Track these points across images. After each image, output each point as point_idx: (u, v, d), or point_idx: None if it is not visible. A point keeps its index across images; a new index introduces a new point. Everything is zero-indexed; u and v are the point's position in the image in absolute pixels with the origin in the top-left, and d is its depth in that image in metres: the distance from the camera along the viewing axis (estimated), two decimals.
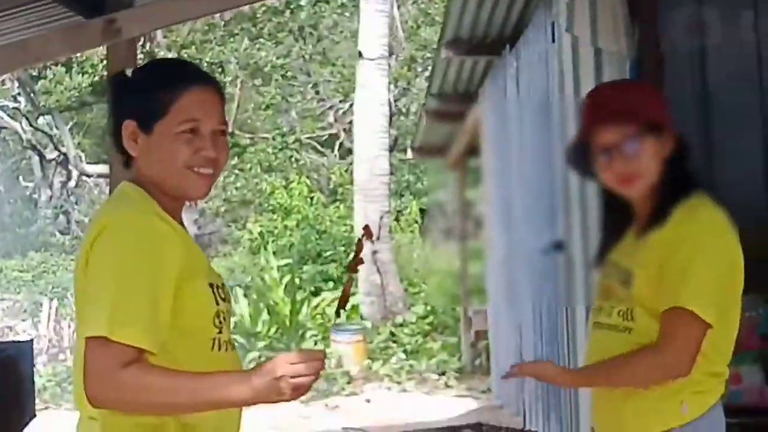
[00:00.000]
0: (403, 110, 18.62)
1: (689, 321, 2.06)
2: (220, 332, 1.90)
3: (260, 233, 15.81)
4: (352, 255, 2.22)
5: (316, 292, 12.37)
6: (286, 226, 15.37)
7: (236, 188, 19.42)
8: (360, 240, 2.25)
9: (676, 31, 4.23)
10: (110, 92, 2.01)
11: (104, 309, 1.74)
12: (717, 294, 2.11)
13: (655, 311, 2.14)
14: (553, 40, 5.24)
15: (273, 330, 10.45)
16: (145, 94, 1.90)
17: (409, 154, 10.92)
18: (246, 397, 1.74)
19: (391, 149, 18.38)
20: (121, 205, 1.90)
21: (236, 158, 19.68)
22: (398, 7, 16.66)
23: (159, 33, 17.30)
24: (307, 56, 19.58)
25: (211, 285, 1.90)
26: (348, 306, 11.81)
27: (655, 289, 2.14)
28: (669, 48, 4.10)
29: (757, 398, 3.78)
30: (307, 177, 17.99)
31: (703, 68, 4.32)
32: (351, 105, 14.99)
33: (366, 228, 2.35)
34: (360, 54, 11.05)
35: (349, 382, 9.48)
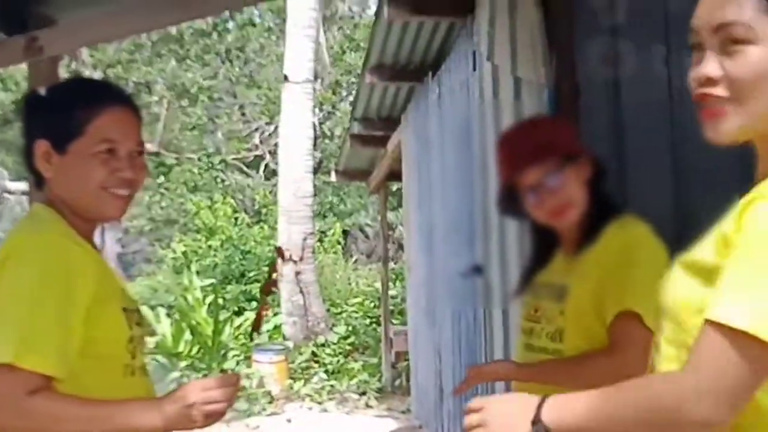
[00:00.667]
0: (328, 133, 18.71)
1: (637, 323, 2.07)
2: (133, 358, 1.86)
3: (184, 253, 15.66)
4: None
5: (239, 312, 12.30)
6: (210, 246, 15.27)
7: (161, 207, 19.22)
8: (273, 263, 2.29)
9: (592, 61, 4.35)
10: (23, 111, 1.96)
11: (10, 334, 1.68)
12: (653, 302, 2.19)
13: (587, 328, 2.19)
14: (474, 68, 5.36)
15: (195, 350, 10.36)
16: (61, 113, 1.85)
17: (333, 176, 10.97)
18: (157, 424, 1.72)
19: (315, 171, 18.46)
20: (33, 227, 1.85)
21: (162, 177, 19.50)
22: (324, 32, 16.76)
23: (85, 51, 17.11)
24: (233, 78, 19.57)
25: (124, 310, 1.86)
26: (269, 326, 11.75)
27: (591, 303, 2.19)
28: (585, 78, 4.22)
29: None
30: (232, 197, 17.92)
31: (617, 98, 4.45)
32: (276, 127, 15.00)
33: (278, 250, 2.39)
34: (285, 77, 11.09)
35: (270, 402, 9.45)
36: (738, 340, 1.19)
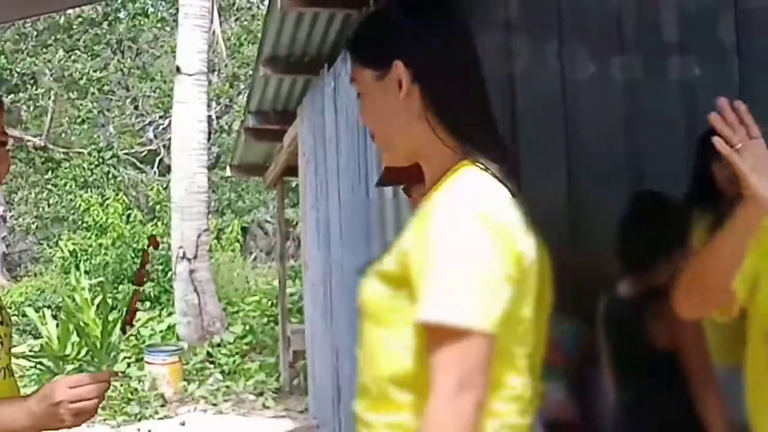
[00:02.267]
0: (226, 127, 18.41)
1: None
2: None
3: (73, 251, 15.19)
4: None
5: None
6: (101, 244, 14.85)
7: (49, 205, 18.65)
8: (145, 251, 2.17)
9: (486, 56, 4.32)
10: None
11: None
12: None
13: None
14: None
15: (83, 352, 10.03)
16: None
17: (228, 171, 10.76)
18: (25, 424, 1.67)
19: (213, 167, 18.15)
20: None
21: (50, 173, 18.90)
22: (220, 23, 16.48)
23: None
24: (125, 70, 19.09)
25: None
26: (163, 327, 11.38)
27: None
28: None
29: (559, 413, 3.90)
30: (125, 194, 17.47)
31: (512, 92, 4.44)
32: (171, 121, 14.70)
33: (152, 238, 2.26)
34: (178, 69, 10.81)
35: (163, 405, 9.21)
36: (448, 330, 1.38)
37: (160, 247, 13.77)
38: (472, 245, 1.41)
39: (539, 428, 2.54)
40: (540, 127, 4.36)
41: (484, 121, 1.61)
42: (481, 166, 1.52)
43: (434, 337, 1.41)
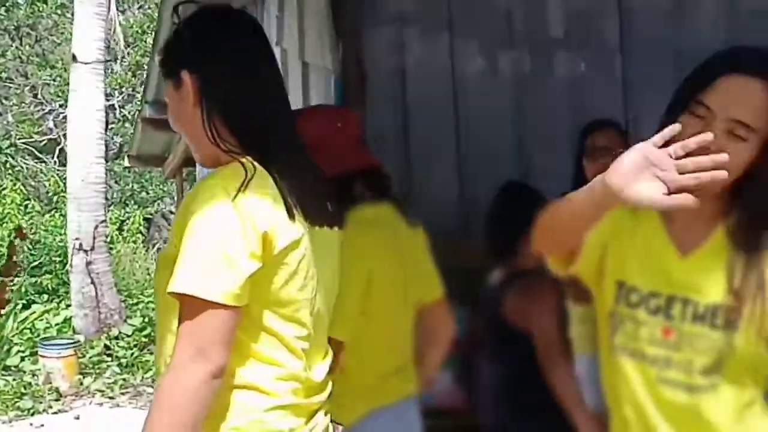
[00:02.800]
0: (129, 117, 18.05)
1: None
2: None
3: None
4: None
5: (27, 305, 11.66)
6: None
7: None
8: (11, 242, 2.15)
9: (378, 50, 4.37)
10: None
11: None
12: None
13: None
14: None
15: None
16: None
17: (126, 161, 10.56)
18: None
19: (115, 157, 17.78)
20: None
21: None
22: (123, 11, 16.15)
23: None
24: (24, 57, 18.55)
25: None
26: (59, 320, 11.11)
27: None
28: (372, 66, 4.22)
29: (447, 400, 3.96)
30: (23, 184, 16.98)
31: (403, 85, 4.49)
32: None
33: (18, 230, 2.25)
34: (74, 57, 10.55)
35: (57, 399, 8.99)
36: (189, 301, 1.56)
37: (58, 239, 13.48)
38: (216, 226, 1.57)
39: (417, 412, 2.61)
40: (431, 118, 4.42)
41: (271, 127, 1.77)
42: (249, 163, 1.67)
43: (181, 309, 1.57)
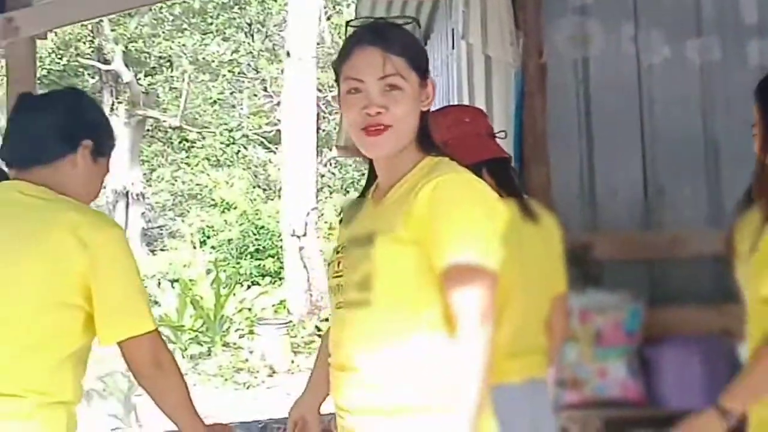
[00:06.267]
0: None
1: None
2: None
3: (201, 228, 15.80)
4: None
5: (250, 287, 12.40)
6: (225, 221, 15.39)
7: (183, 182, 19.31)
8: None
9: (560, 41, 4.38)
10: None
11: None
12: None
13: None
14: (453, 47, 5.40)
15: (199, 323, 10.50)
16: None
17: (335, 152, 10.98)
18: None
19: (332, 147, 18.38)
20: None
21: (184, 152, 19.58)
22: (339, 11, 16.66)
23: (107, 26, 17.15)
24: (255, 52, 19.53)
25: None
26: (252, 296, 11.56)
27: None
28: (553, 57, 4.24)
29: (620, 392, 3.96)
30: (253, 173, 17.96)
31: (586, 77, 4.47)
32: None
33: None
34: (288, 54, 11.08)
35: (270, 375, 9.54)
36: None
37: (280, 225, 14.22)
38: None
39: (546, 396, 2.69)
40: (614, 110, 4.38)
41: None
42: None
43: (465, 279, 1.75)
